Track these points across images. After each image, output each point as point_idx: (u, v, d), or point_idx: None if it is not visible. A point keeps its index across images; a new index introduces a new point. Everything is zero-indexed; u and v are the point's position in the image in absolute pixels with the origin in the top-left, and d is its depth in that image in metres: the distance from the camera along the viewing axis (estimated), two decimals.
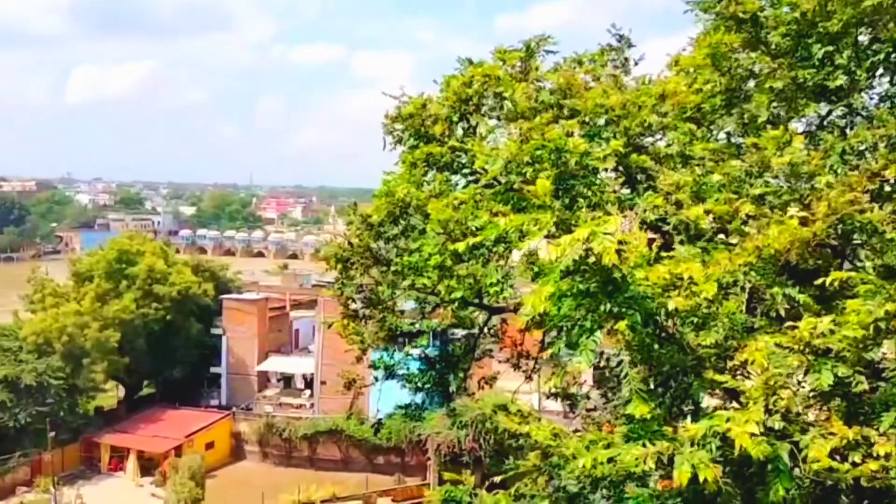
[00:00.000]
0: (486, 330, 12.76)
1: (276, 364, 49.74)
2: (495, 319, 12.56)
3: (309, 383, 48.53)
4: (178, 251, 65.33)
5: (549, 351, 7.49)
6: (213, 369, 49.84)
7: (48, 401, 40.00)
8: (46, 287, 44.79)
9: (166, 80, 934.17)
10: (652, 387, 5.76)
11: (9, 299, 52.51)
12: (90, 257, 47.04)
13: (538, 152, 7.30)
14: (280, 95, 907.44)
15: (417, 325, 12.15)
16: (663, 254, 6.03)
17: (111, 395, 49.15)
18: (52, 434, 39.23)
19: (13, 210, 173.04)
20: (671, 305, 5.43)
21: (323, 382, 45.79)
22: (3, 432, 39.01)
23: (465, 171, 10.64)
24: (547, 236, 5.62)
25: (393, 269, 10.85)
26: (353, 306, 12.18)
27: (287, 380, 50.50)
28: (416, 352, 12.56)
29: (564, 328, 5.65)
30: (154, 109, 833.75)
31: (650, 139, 8.93)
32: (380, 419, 34.93)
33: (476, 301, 10.70)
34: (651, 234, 5.97)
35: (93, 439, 42.85)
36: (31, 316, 44.15)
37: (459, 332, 13.94)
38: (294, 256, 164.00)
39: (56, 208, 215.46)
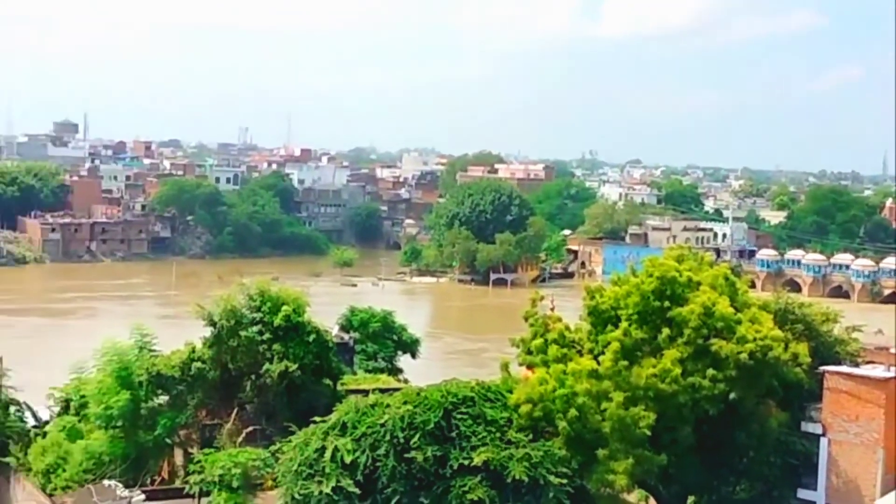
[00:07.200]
0: None
1: None
2: None
3: None
4: (752, 285, 66.80)
5: None
6: (801, 493, 49.52)
7: None
8: (551, 330, 49.24)
9: (727, 10, 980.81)
10: None
11: (502, 343, 59.22)
12: (616, 287, 50.30)
13: None
14: None
15: None
16: None
17: None
18: None
19: (510, 207, 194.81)
20: None
21: None
22: None
23: None
24: None
25: None
26: None
27: None
28: None
29: None
30: (712, 47, 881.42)
31: None
32: None
33: None
34: None
35: None
36: (525, 373, 48.98)
37: None
38: None
39: (563, 206, 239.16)
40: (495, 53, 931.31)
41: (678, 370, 45.59)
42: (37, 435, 55.15)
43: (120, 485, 48.11)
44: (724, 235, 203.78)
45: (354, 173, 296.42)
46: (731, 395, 46.74)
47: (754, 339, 46.68)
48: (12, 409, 57.77)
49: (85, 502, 47.36)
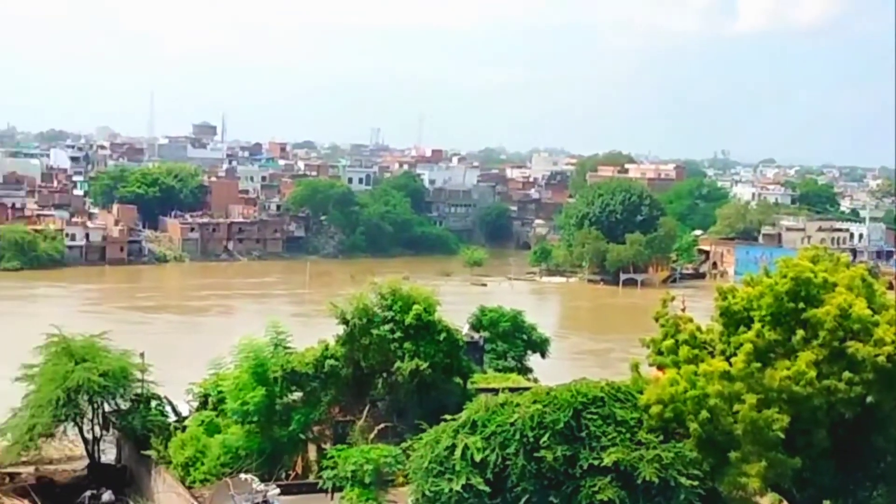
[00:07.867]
0: None
1: None
2: None
3: None
4: (890, 286, 64.61)
5: None
6: None
7: None
8: (682, 330, 48.65)
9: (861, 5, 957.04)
10: None
11: (630, 344, 59.02)
12: (748, 287, 49.50)
13: None
14: None
15: None
16: None
17: None
18: None
19: (640, 207, 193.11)
20: None
21: None
22: None
23: None
24: None
25: None
26: None
27: None
28: None
29: None
30: (848, 42, 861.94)
31: None
32: None
33: None
34: None
35: None
36: (656, 374, 48.50)
37: None
38: None
39: (694, 206, 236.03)
40: (626, 52, 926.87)
41: (813, 372, 44.67)
42: (176, 429, 56.47)
43: (256, 478, 48.94)
44: (861, 236, 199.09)
45: (484, 174, 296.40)
46: (869, 399, 45.63)
47: (893, 342, 45.53)
48: (154, 403, 59.40)
49: (222, 495, 48.31)
